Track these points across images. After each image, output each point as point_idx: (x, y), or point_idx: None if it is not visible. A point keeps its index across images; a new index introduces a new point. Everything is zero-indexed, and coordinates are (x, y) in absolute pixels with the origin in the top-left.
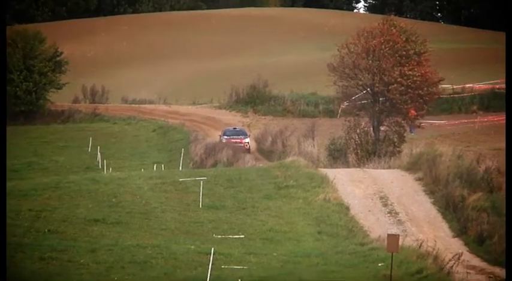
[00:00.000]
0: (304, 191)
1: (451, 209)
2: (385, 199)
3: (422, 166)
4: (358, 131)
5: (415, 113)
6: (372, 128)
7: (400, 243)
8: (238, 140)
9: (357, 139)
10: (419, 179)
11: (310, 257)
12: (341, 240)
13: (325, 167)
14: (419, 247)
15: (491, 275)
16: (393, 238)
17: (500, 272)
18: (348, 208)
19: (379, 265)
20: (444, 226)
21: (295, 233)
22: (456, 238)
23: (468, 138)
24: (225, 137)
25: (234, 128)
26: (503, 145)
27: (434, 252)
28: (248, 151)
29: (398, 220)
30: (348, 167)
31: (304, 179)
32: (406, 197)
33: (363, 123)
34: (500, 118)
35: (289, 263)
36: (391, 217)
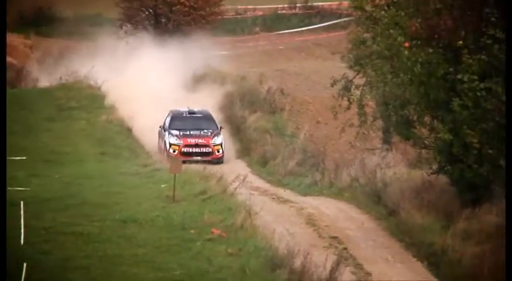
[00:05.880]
0: (87, 113)
1: (234, 130)
2: None
3: (206, 87)
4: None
5: None
6: None
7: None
8: (203, 141)
9: None
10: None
11: (94, 179)
12: (124, 161)
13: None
14: (203, 168)
15: (275, 196)
16: (176, 159)
17: (284, 193)
18: (130, 129)
19: (162, 186)
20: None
21: (78, 155)
22: (239, 159)
23: (251, 59)
24: (174, 133)
25: (191, 113)
26: (285, 66)
27: (218, 173)
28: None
29: None
30: None
31: (87, 100)
32: None
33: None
34: (282, 39)
35: (73, 185)
36: None
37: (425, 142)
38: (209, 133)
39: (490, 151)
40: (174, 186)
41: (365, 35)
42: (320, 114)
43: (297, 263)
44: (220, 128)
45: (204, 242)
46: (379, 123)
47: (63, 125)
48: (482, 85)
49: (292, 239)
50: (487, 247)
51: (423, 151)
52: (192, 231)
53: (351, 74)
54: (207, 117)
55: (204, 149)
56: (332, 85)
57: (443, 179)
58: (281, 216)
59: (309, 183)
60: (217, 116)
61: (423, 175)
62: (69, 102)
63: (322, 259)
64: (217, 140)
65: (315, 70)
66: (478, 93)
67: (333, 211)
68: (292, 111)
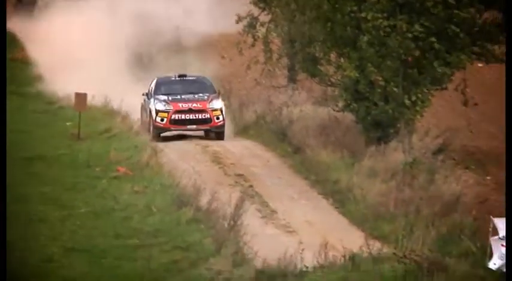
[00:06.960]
0: None
1: (142, 71)
2: None
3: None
4: None
5: None
6: None
7: (88, 102)
8: (198, 106)
9: None
10: None
11: None
12: (30, 100)
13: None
14: (108, 105)
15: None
16: (81, 97)
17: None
18: (36, 67)
19: (67, 123)
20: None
21: None
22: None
23: None
24: (162, 98)
25: (181, 76)
26: (190, 4)
27: (124, 111)
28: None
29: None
30: None
31: None
32: None
33: None
34: None
35: None
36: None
37: (331, 79)
38: (205, 97)
39: (395, 89)
40: (80, 124)
41: None
42: (226, 52)
43: (203, 201)
44: (218, 92)
45: (110, 180)
46: (285, 61)
47: None
48: (386, 23)
49: (198, 177)
50: (393, 185)
51: (329, 88)
52: (98, 169)
53: (256, 11)
54: (202, 81)
55: (199, 115)
56: (237, 22)
57: (349, 116)
58: (187, 154)
59: None
60: (123, 57)
61: (329, 113)
62: None
63: (227, 197)
64: (216, 104)
65: (222, 7)
66: (382, 33)
67: (238, 148)
68: (200, 49)
